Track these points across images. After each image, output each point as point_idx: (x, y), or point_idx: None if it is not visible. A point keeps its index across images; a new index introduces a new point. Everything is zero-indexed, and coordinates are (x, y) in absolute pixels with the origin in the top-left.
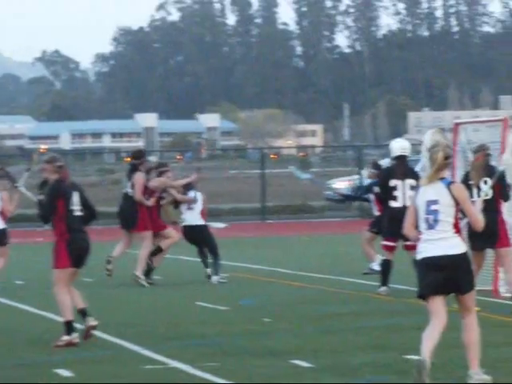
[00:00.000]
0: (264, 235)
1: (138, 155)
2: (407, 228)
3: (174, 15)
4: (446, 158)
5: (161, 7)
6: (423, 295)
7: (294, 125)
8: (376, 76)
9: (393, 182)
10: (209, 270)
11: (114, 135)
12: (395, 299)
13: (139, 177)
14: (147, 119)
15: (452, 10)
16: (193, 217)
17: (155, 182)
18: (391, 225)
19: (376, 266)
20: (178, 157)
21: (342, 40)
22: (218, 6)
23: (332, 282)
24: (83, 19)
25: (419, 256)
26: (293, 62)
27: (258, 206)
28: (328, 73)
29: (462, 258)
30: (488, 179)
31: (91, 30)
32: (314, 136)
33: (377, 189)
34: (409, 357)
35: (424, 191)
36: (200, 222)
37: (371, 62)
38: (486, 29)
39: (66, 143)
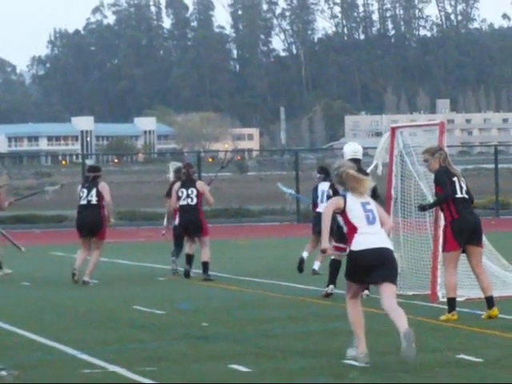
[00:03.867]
0: None
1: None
2: (328, 213)
3: (110, 18)
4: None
5: (96, 10)
6: (354, 279)
7: (231, 128)
8: (312, 80)
9: None
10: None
11: (50, 138)
12: (332, 304)
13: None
14: (83, 122)
15: (388, 14)
16: None
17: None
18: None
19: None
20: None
21: (278, 43)
22: (153, 9)
23: (269, 287)
24: (19, 21)
25: (359, 247)
26: (229, 65)
27: None
28: (264, 76)
29: (392, 252)
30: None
31: (27, 33)
32: (251, 140)
33: (330, 192)
34: (346, 361)
35: (351, 197)
36: None
37: (308, 65)
38: (423, 32)
39: (2, 146)
